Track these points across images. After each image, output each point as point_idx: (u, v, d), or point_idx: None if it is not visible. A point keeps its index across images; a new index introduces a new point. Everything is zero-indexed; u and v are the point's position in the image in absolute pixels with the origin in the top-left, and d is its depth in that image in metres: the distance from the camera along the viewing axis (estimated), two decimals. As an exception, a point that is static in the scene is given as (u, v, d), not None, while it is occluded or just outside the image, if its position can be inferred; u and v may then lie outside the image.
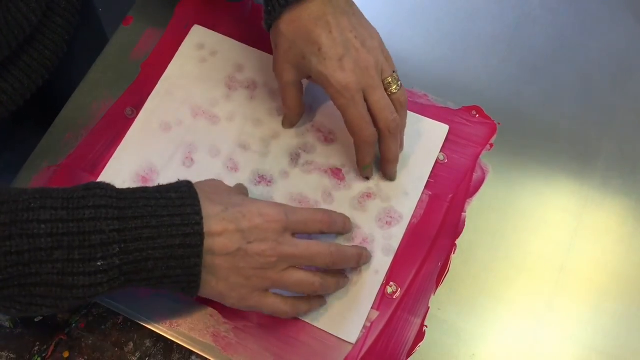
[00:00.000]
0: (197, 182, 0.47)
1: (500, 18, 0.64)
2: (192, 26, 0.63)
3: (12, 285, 0.39)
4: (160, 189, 0.44)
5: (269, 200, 0.50)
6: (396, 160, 0.55)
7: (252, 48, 0.62)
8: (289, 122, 0.58)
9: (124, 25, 0.63)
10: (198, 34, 0.62)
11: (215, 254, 0.44)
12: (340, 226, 0.51)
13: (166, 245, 0.42)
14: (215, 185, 0.49)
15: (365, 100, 0.51)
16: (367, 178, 0.56)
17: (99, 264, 0.40)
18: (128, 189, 0.44)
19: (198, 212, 0.43)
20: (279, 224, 0.46)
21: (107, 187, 0.42)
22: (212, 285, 0.45)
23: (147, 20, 0.63)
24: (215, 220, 0.44)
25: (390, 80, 0.52)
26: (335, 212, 0.52)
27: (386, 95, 0.52)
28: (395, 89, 0.52)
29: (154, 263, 0.42)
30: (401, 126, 0.54)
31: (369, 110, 0.51)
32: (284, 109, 0.57)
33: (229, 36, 0.62)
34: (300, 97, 0.56)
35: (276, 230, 0.45)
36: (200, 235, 0.43)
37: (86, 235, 0.40)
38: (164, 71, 0.60)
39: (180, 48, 0.62)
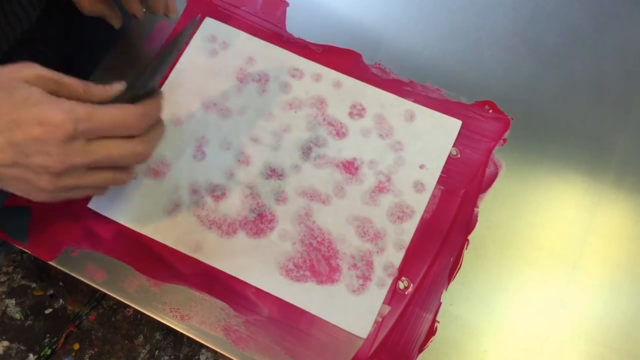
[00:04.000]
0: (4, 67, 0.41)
1: (514, 12, 0.63)
2: (203, 18, 0.62)
3: None
4: None
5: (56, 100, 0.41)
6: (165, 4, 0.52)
7: (263, 41, 0.61)
8: (117, 19, 0.53)
9: (136, 18, 0.63)
10: (210, 27, 0.62)
11: None
12: (144, 127, 0.43)
13: None
14: (8, 74, 0.41)
15: None
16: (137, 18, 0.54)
17: None
18: None
19: None
20: (63, 134, 0.39)
21: None
22: (4, 187, 0.42)
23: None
24: None
25: None
26: (137, 118, 0.43)
27: None
28: None
29: None
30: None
31: None
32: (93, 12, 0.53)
33: (240, 29, 0.62)
34: None
35: (61, 142, 0.39)
36: None
37: None
38: (175, 64, 0.60)
39: (191, 40, 0.61)
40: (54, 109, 0.39)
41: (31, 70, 0.41)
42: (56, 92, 0.41)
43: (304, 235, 0.54)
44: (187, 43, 0.48)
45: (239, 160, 0.57)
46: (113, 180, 0.44)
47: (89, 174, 0.42)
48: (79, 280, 0.53)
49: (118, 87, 0.44)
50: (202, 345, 0.51)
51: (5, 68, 0.40)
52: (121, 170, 0.44)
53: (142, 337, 0.51)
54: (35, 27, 0.55)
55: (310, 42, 0.61)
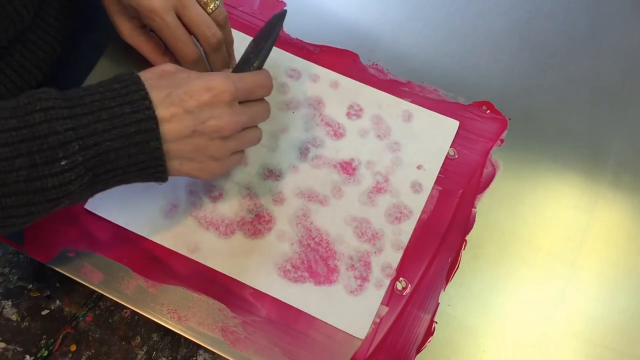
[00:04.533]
0: (147, 70, 0.46)
1: (512, 13, 0.63)
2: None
3: None
4: (102, 83, 0.44)
5: (216, 72, 0.48)
6: (224, 68, 0.56)
7: (261, 42, 0.61)
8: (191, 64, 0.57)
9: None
10: (207, 27, 0.62)
11: (171, 141, 0.44)
12: (270, 91, 0.51)
13: (122, 135, 0.42)
14: (161, 70, 0.46)
15: (182, 20, 0.51)
16: None
17: (62, 163, 0.40)
18: (71, 90, 0.43)
19: (145, 97, 0.43)
20: (229, 95, 0.45)
21: (49, 91, 0.42)
22: (177, 167, 0.46)
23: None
24: (162, 107, 0.43)
25: (206, 0, 0.53)
26: (270, 79, 0.50)
27: (201, 11, 0.52)
28: (212, 8, 0.53)
29: (115, 153, 0.42)
30: (228, 41, 0.56)
31: (188, 28, 0.52)
32: (153, 64, 0.56)
33: (237, 29, 0.62)
34: (155, 45, 0.55)
35: (227, 103, 0.45)
36: (153, 118, 0.42)
37: (42, 138, 0.39)
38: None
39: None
40: (215, 77, 0.45)
41: (169, 65, 0.47)
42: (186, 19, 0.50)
43: (302, 236, 0.54)
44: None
45: (236, 161, 0.57)
46: (257, 136, 0.50)
47: (242, 134, 0.48)
48: (76, 281, 0.53)
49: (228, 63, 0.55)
50: (199, 347, 0.51)
51: (153, 68, 0.46)
52: (255, 128, 0.50)
53: (139, 339, 0.51)
54: (29, 29, 0.55)
55: (307, 43, 0.61)
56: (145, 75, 0.45)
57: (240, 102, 0.47)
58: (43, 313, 0.67)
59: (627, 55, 0.61)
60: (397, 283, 0.53)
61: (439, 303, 0.52)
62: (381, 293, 0.52)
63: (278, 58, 0.60)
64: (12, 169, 0.39)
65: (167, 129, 0.43)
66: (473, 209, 0.55)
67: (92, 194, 0.45)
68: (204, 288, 0.53)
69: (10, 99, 0.41)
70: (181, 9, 0.51)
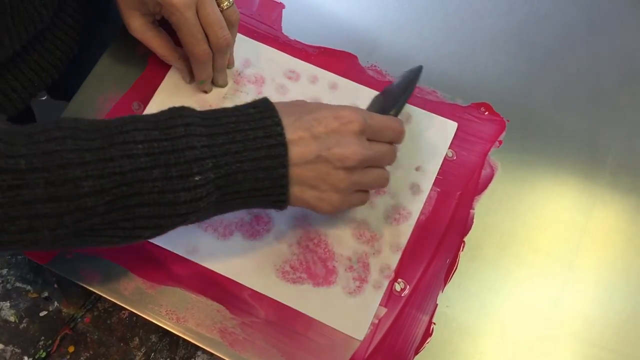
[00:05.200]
0: (276, 102, 0.47)
1: (510, 15, 0.63)
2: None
3: (116, 208, 0.40)
4: (238, 107, 0.45)
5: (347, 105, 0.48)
6: (223, 70, 0.57)
7: (259, 43, 0.61)
8: (188, 76, 0.59)
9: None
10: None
11: (295, 164, 0.44)
12: (402, 140, 0.50)
13: (253, 158, 0.43)
14: (293, 102, 0.48)
15: (198, 17, 0.52)
16: (205, 92, 0.59)
17: (196, 178, 0.41)
18: (208, 110, 0.45)
19: (278, 123, 0.44)
20: (358, 126, 0.45)
21: (189, 109, 0.44)
22: (298, 194, 0.46)
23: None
24: (290, 130, 0.44)
25: None
26: (402, 126, 0.50)
27: (217, 10, 0.52)
28: (226, 5, 0.54)
29: (243, 175, 0.43)
30: (232, 43, 0.56)
31: (202, 26, 0.52)
32: (163, 60, 0.57)
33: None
34: (164, 41, 0.56)
35: (355, 133, 0.45)
36: (283, 145, 0.43)
37: (180, 152, 0.41)
38: (171, 66, 0.60)
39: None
40: (345, 108, 0.46)
41: (301, 100, 0.48)
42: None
43: (300, 237, 0.54)
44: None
45: (235, 162, 0.57)
46: (384, 177, 0.49)
47: (367, 170, 0.47)
48: (74, 282, 0.53)
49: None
50: (198, 348, 0.51)
51: (279, 102, 0.46)
52: (381, 169, 0.49)
53: (137, 340, 0.51)
54: (47, 28, 0.56)
55: (306, 44, 0.61)
56: (277, 104, 0.46)
57: (368, 140, 0.47)
58: (41, 314, 0.66)
59: (625, 57, 0.62)
60: (396, 284, 0.53)
61: (437, 304, 0.52)
62: (380, 294, 0.52)
63: (277, 59, 0.61)
64: (149, 179, 0.40)
65: (293, 152, 0.44)
66: (471, 210, 0.55)
67: (214, 214, 0.45)
68: (202, 289, 0.52)
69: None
70: (200, 6, 0.51)
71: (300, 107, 0.46)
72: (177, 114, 0.42)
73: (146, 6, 0.53)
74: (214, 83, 0.59)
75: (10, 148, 0.38)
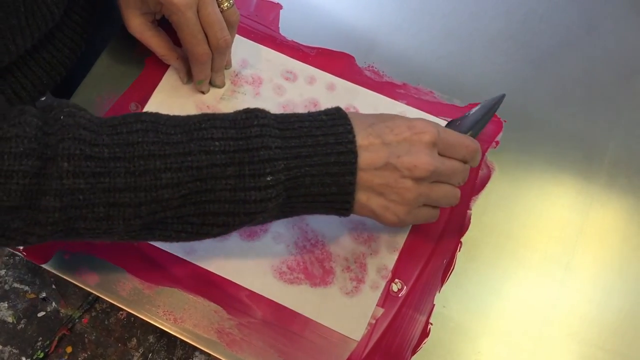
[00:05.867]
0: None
1: (507, 15, 0.64)
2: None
3: (189, 203, 0.41)
4: (311, 113, 0.46)
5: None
6: (221, 71, 0.58)
7: (256, 44, 0.61)
8: (185, 76, 0.59)
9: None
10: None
11: (363, 169, 0.44)
12: (477, 161, 0.49)
13: (322, 163, 0.43)
14: (368, 114, 0.48)
15: (199, 17, 0.52)
16: (203, 92, 0.59)
17: (268, 179, 0.42)
18: (281, 114, 0.45)
19: (350, 131, 0.44)
20: (430, 137, 0.45)
21: (264, 111, 0.44)
22: (364, 201, 0.46)
23: (152, 15, 0.63)
24: (361, 135, 0.44)
25: None
26: (478, 146, 0.49)
27: (217, 11, 0.53)
28: (227, 6, 0.54)
29: (311, 179, 0.43)
30: (231, 44, 0.56)
31: (202, 26, 0.53)
32: (162, 59, 0.58)
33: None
34: (163, 40, 0.56)
35: (426, 144, 0.45)
36: (353, 152, 0.43)
37: (255, 151, 0.41)
38: (168, 66, 0.60)
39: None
40: (419, 120, 0.46)
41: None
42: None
43: (298, 238, 0.54)
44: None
45: (232, 163, 0.57)
46: (454, 195, 0.48)
47: (436, 185, 0.47)
48: (72, 283, 0.53)
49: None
50: (195, 348, 0.51)
51: (352, 112, 0.47)
52: (452, 187, 0.48)
53: (135, 340, 0.51)
54: (57, 26, 0.56)
55: (303, 45, 0.61)
56: (351, 113, 0.46)
57: (440, 154, 0.46)
58: (39, 315, 0.67)
59: (621, 58, 0.62)
60: (393, 284, 0.53)
61: (434, 304, 0.52)
62: (377, 294, 0.52)
63: (274, 60, 0.61)
64: (223, 176, 0.41)
65: (362, 157, 0.44)
66: (468, 211, 0.55)
67: (278, 217, 0.46)
68: (199, 290, 0.53)
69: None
70: (201, 6, 0.52)
71: (374, 116, 0.47)
72: (253, 114, 0.43)
73: (146, 5, 0.53)
74: (212, 83, 0.59)
75: (95, 137, 0.39)
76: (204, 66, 0.55)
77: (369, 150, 0.44)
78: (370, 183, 0.45)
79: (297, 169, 0.43)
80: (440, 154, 0.46)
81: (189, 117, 0.43)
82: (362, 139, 0.44)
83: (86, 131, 0.39)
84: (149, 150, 0.40)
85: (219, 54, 0.55)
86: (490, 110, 0.54)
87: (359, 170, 0.44)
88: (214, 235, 0.44)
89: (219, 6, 0.53)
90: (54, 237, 0.40)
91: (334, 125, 0.44)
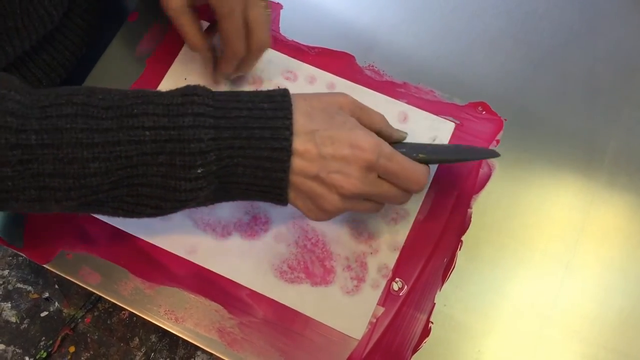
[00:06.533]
0: (308, 95, 0.46)
1: (507, 14, 0.64)
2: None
3: (121, 186, 0.42)
4: (254, 97, 0.44)
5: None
6: (248, 70, 0.57)
7: (257, 44, 0.61)
8: (210, 64, 0.58)
9: (130, 21, 0.63)
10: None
11: (295, 174, 0.44)
12: (419, 189, 0.48)
13: (254, 156, 0.43)
14: (328, 100, 0.46)
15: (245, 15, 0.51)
16: (216, 83, 0.59)
17: (198, 171, 0.41)
18: (223, 95, 0.44)
19: (288, 127, 0.43)
20: (366, 162, 0.44)
21: (204, 94, 0.43)
22: (292, 198, 0.46)
23: (152, 15, 0.63)
24: (300, 139, 0.43)
25: None
26: (426, 179, 0.48)
27: (263, 12, 0.52)
28: (265, 6, 0.53)
29: (243, 170, 0.43)
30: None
31: (246, 24, 0.52)
32: (190, 48, 0.55)
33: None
34: (197, 27, 0.54)
35: (362, 167, 0.44)
36: (287, 150, 0.43)
37: (186, 142, 0.41)
38: (169, 67, 0.60)
39: (185, 44, 0.61)
40: (365, 138, 0.44)
41: (345, 98, 0.47)
42: (359, 118, 0.47)
43: (298, 237, 0.54)
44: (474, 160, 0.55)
45: (233, 163, 0.57)
46: (375, 209, 0.49)
47: (363, 202, 0.47)
48: (75, 283, 0.53)
49: (404, 136, 0.51)
50: (197, 348, 0.51)
51: (324, 95, 0.46)
52: (378, 204, 0.49)
53: (137, 340, 0.51)
54: (57, 29, 0.56)
55: (303, 44, 0.62)
56: (308, 102, 0.45)
57: (380, 177, 0.46)
58: (42, 315, 0.67)
59: (622, 55, 0.62)
60: (393, 283, 0.53)
61: (435, 303, 0.52)
62: (377, 293, 0.52)
63: (274, 60, 0.61)
64: (154, 163, 0.41)
65: (295, 163, 0.43)
66: (469, 210, 0.55)
67: (214, 202, 0.46)
68: (201, 289, 0.53)
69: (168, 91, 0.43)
70: (249, 4, 0.51)
71: (326, 115, 0.45)
72: (190, 99, 0.42)
73: None
74: (240, 68, 0.57)
75: (23, 122, 0.39)
76: (235, 61, 0.54)
77: (304, 158, 0.43)
78: (299, 187, 0.45)
79: (229, 159, 0.42)
80: (380, 177, 0.46)
81: (124, 96, 0.42)
82: (299, 143, 0.43)
83: (13, 117, 0.39)
84: (76, 139, 0.40)
85: (255, 54, 0.54)
86: (469, 154, 0.52)
87: (292, 173, 0.44)
88: (149, 216, 0.44)
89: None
90: None
91: (274, 118, 0.43)
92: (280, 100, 0.44)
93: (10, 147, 0.38)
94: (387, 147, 0.45)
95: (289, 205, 0.52)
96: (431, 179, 0.56)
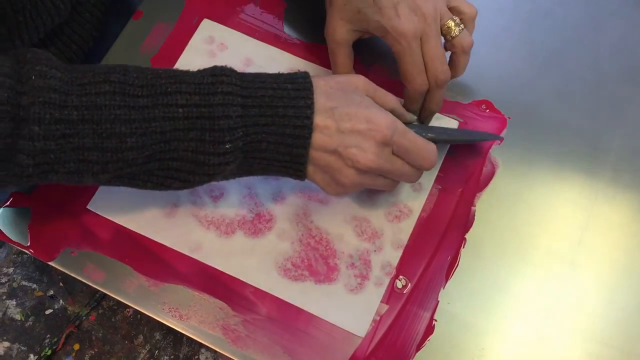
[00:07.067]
0: (326, 76, 0.49)
1: (511, 11, 0.64)
2: (201, 20, 0.63)
3: (154, 160, 0.44)
4: (277, 79, 0.47)
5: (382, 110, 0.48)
6: (437, 110, 0.56)
7: (261, 42, 0.62)
8: None
9: (134, 20, 0.63)
10: (207, 28, 0.62)
11: (314, 148, 0.46)
12: (431, 168, 0.51)
13: (278, 133, 0.45)
14: (345, 81, 0.49)
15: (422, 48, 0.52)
16: (405, 123, 0.56)
17: (227, 146, 0.44)
18: (249, 76, 0.46)
19: (310, 106, 0.45)
20: (382, 135, 0.46)
21: (231, 74, 0.45)
22: (311, 173, 0.48)
23: (156, 14, 0.63)
24: (320, 116, 0.46)
25: (450, 24, 0.53)
26: (435, 156, 0.50)
27: (440, 44, 0.52)
28: (456, 33, 0.53)
29: (267, 145, 0.46)
30: (458, 74, 0.56)
31: (423, 58, 0.52)
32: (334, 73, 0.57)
33: (238, 30, 0.62)
34: (350, 62, 0.56)
35: (377, 142, 0.46)
36: (309, 128, 0.45)
37: (216, 120, 0.44)
38: (173, 65, 0.61)
39: (189, 42, 0.62)
40: (381, 115, 0.47)
41: (361, 80, 0.49)
42: (373, 98, 0.49)
43: (302, 235, 0.54)
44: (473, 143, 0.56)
45: (237, 161, 0.57)
46: (390, 186, 0.51)
47: (377, 178, 0.49)
48: (79, 280, 0.53)
49: (414, 118, 0.54)
50: (201, 345, 0.52)
51: (340, 77, 0.49)
52: (391, 181, 0.51)
53: (141, 337, 0.51)
54: (65, 23, 0.57)
55: (308, 43, 0.62)
56: (327, 83, 0.47)
57: (394, 153, 0.48)
58: (47, 312, 0.67)
59: (626, 53, 0.61)
60: (397, 281, 0.53)
61: (438, 301, 0.52)
62: (381, 291, 0.52)
63: (278, 58, 0.61)
64: (185, 139, 0.44)
65: (315, 137, 0.46)
66: (472, 208, 0.55)
67: (237, 176, 0.48)
68: (205, 287, 0.53)
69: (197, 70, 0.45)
70: (424, 38, 0.51)
71: (344, 94, 0.47)
72: (219, 79, 0.44)
73: (364, 24, 0.53)
74: (421, 118, 0.57)
75: (65, 98, 0.41)
76: (419, 97, 0.54)
77: (323, 133, 0.46)
78: (317, 161, 0.47)
79: (255, 135, 0.45)
80: (394, 154, 0.48)
81: (157, 75, 0.44)
82: (320, 119, 0.46)
83: (56, 94, 0.41)
84: (115, 115, 0.42)
85: (437, 88, 0.54)
86: (476, 136, 0.54)
87: (311, 148, 0.46)
88: (176, 188, 0.46)
89: (449, 34, 0.53)
90: (31, 183, 0.44)
91: (297, 98, 0.45)
92: (302, 82, 0.46)
93: (55, 121, 0.41)
94: (401, 125, 0.48)
95: (286, 202, 0.53)
96: (435, 175, 0.56)
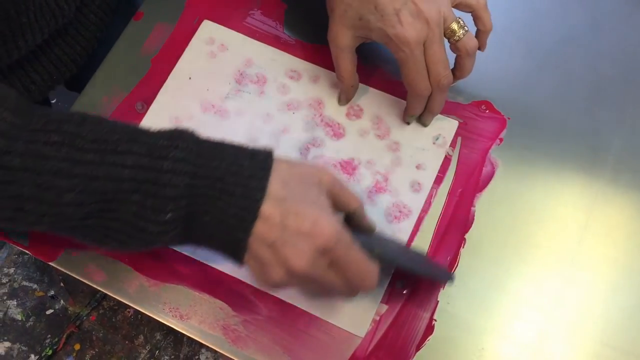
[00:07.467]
0: (292, 161, 0.45)
1: (510, 12, 0.64)
2: (202, 21, 0.63)
3: (92, 217, 0.42)
4: (239, 152, 0.44)
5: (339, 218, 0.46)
6: (436, 111, 0.56)
7: (261, 43, 0.62)
8: (344, 96, 0.58)
9: (135, 20, 0.63)
10: (208, 29, 0.63)
11: (253, 235, 0.43)
12: (365, 289, 0.47)
13: (222, 208, 0.42)
14: (309, 172, 0.46)
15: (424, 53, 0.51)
16: (408, 123, 0.58)
17: (168, 216, 0.42)
18: (208, 143, 0.44)
19: (261, 190, 0.42)
20: (323, 243, 0.43)
21: (189, 140, 0.43)
22: (246, 261, 0.45)
23: (157, 15, 0.63)
24: (269, 203, 0.42)
25: (454, 27, 0.52)
26: (374, 281, 0.46)
27: (443, 49, 0.52)
28: (460, 35, 0.52)
29: (210, 218, 0.42)
30: (463, 76, 0.55)
31: (426, 63, 0.52)
32: (338, 79, 0.57)
33: (238, 31, 0.62)
34: (353, 66, 0.56)
35: (316, 248, 0.43)
36: (254, 212, 0.42)
37: (161, 187, 0.41)
38: (174, 66, 0.61)
39: (190, 43, 0.62)
40: (329, 221, 0.43)
41: (328, 176, 0.46)
42: (336, 196, 0.46)
43: (302, 235, 0.54)
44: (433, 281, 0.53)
45: (237, 161, 0.57)
46: (324, 295, 0.50)
47: (310, 284, 0.46)
48: (80, 280, 0.53)
49: (373, 227, 0.51)
50: (202, 345, 0.52)
51: (307, 166, 0.46)
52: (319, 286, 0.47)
53: (142, 338, 0.51)
54: (70, 23, 0.57)
55: (307, 44, 0.62)
56: (283, 167, 0.44)
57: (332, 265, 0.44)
58: (47, 313, 0.67)
59: (626, 54, 0.62)
60: (397, 281, 0.53)
61: (438, 301, 0.52)
62: (381, 291, 0.52)
63: (278, 59, 0.61)
64: (128, 200, 0.41)
65: (258, 226, 0.42)
66: (472, 208, 0.55)
67: (178, 244, 0.45)
68: (205, 287, 0.53)
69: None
70: (427, 43, 0.51)
71: (302, 187, 0.44)
72: (173, 143, 0.42)
73: (367, 31, 0.53)
74: (422, 121, 0.58)
75: (10, 144, 0.39)
76: (422, 100, 0.54)
77: (266, 223, 0.42)
78: (254, 251, 0.43)
79: (199, 206, 0.42)
80: (332, 265, 0.44)
81: (113, 130, 0.42)
82: (267, 207, 0.42)
83: (1, 139, 0.39)
84: (57, 168, 0.40)
85: (439, 92, 0.54)
86: (427, 270, 0.52)
87: (251, 234, 0.43)
88: (113, 249, 0.44)
89: (453, 37, 0.52)
90: None
91: (250, 177, 0.42)
92: (262, 160, 0.44)
93: None
94: (346, 238, 0.44)
95: None
96: (435, 175, 0.56)
